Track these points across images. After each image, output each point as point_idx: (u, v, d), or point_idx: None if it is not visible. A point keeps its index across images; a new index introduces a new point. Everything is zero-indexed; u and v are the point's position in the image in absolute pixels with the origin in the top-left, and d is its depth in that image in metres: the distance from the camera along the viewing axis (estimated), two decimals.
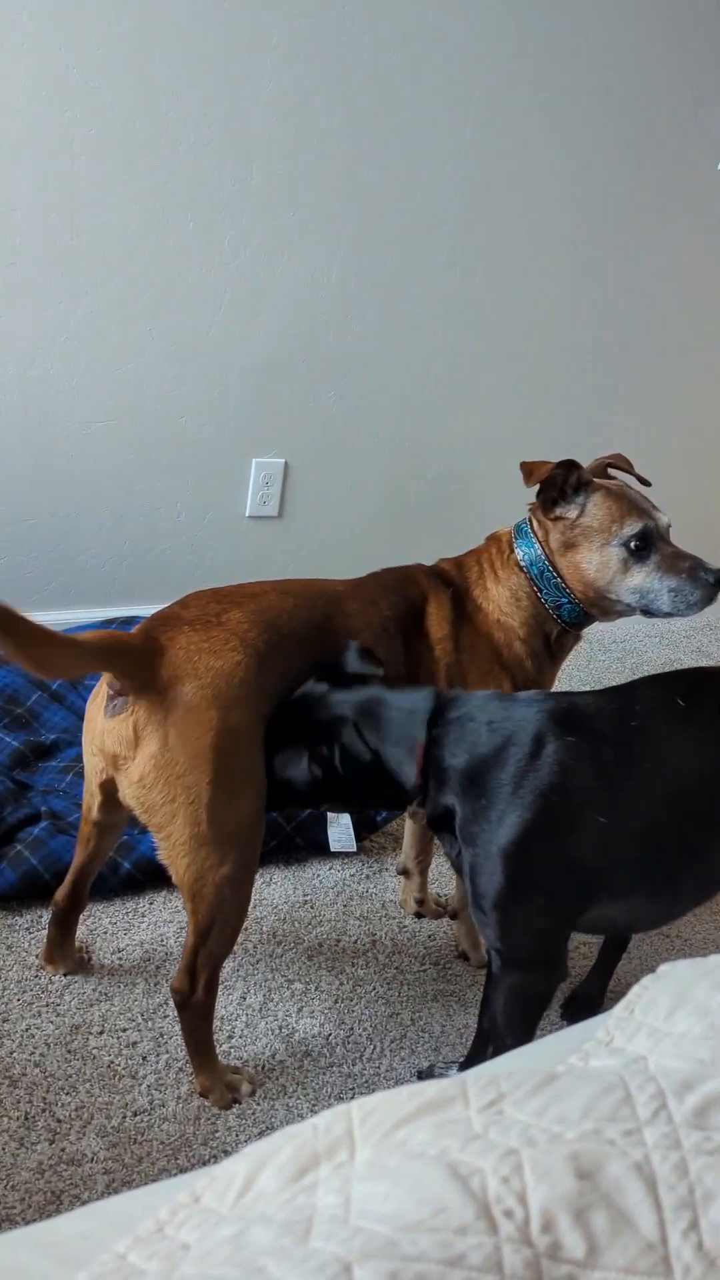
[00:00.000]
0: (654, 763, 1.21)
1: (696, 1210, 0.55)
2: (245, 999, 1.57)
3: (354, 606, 1.44)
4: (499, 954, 1.26)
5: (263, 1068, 1.46)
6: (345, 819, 1.91)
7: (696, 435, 3.04)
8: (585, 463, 1.57)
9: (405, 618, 1.48)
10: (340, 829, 1.90)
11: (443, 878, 1.91)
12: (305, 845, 1.89)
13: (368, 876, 1.88)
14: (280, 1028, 1.53)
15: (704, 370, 2.96)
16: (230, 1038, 1.50)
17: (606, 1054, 0.75)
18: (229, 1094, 1.39)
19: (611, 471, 1.64)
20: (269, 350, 2.21)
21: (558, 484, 1.49)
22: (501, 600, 1.53)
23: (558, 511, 1.50)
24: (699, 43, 2.50)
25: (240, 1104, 1.39)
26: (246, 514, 2.33)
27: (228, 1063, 1.44)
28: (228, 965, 1.62)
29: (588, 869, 1.21)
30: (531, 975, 1.26)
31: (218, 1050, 1.43)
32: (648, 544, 1.47)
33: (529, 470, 1.50)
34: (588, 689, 1.30)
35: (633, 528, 1.46)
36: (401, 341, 2.38)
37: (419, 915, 1.79)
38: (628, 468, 1.64)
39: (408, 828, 1.81)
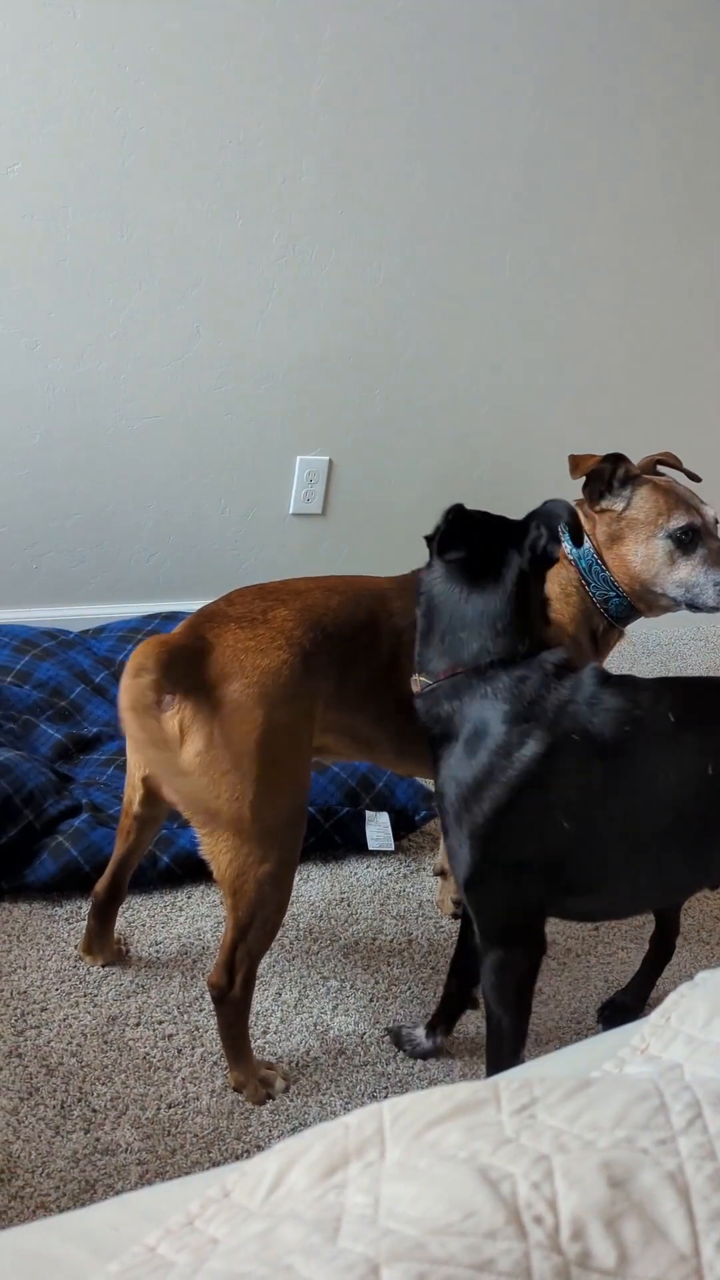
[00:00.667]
0: (632, 775, 1.19)
1: None
2: (281, 995, 1.57)
3: (399, 604, 1.43)
4: (479, 930, 1.27)
5: (297, 1064, 1.46)
6: (383, 818, 1.91)
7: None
8: (634, 459, 1.56)
9: None
10: (378, 828, 1.90)
11: None
12: (343, 843, 1.89)
13: (405, 876, 1.87)
14: (315, 1025, 1.53)
15: None
16: (265, 1033, 1.50)
17: (642, 1061, 0.74)
18: (263, 1089, 1.39)
19: (661, 469, 1.62)
20: (315, 348, 2.21)
21: (604, 477, 1.49)
22: (551, 595, 1.52)
23: (604, 504, 1.50)
24: None
25: (274, 1100, 1.39)
26: (290, 511, 2.34)
27: (262, 1058, 1.45)
28: (264, 962, 1.62)
29: (557, 865, 1.21)
30: (509, 950, 1.26)
31: (253, 1045, 1.44)
32: (694, 538, 1.47)
33: (576, 463, 1.51)
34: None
35: (679, 521, 1.47)
36: (449, 340, 2.37)
37: (455, 916, 1.78)
38: (677, 464, 1.63)
39: None
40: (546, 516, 1.25)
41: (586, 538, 1.49)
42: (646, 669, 2.79)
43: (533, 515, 1.27)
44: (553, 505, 1.25)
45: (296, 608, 1.33)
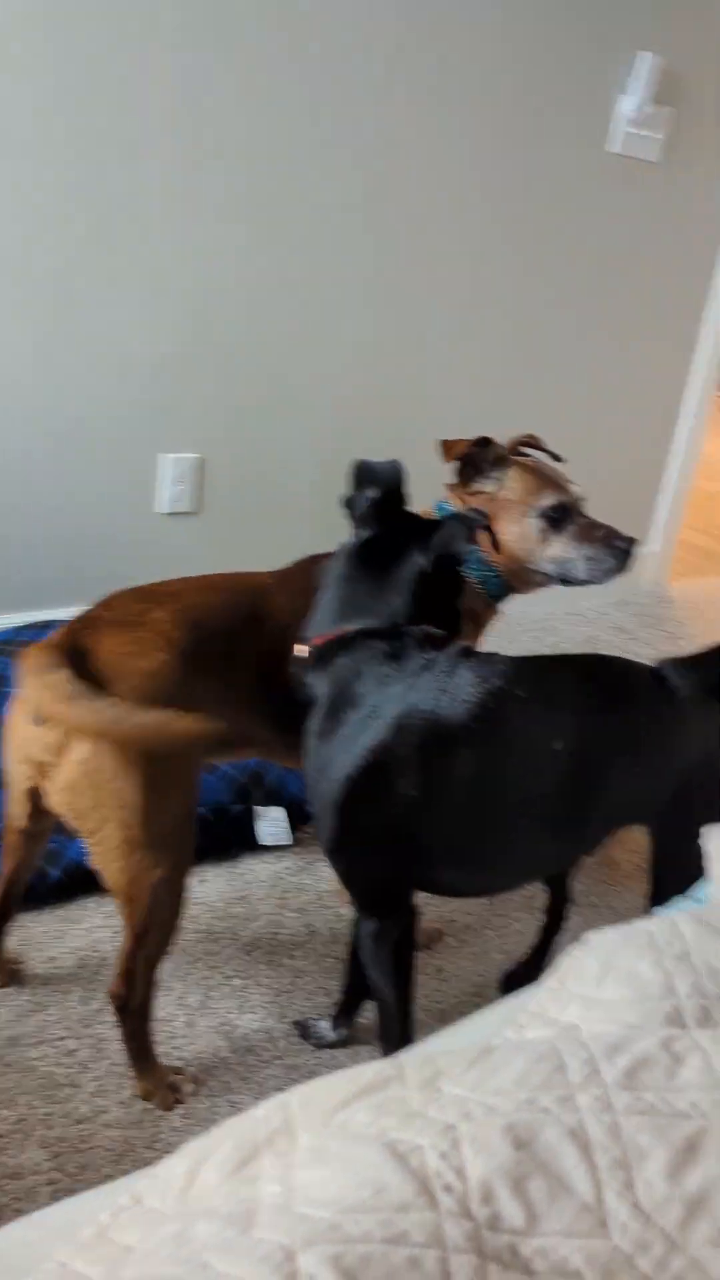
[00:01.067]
0: (484, 751, 1.20)
1: (630, 1170, 0.57)
2: (184, 999, 1.56)
3: (282, 599, 1.43)
4: (350, 898, 1.30)
5: (205, 1066, 1.45)
6: (277, 812, 1.91)
7: (607, 410, 3.09)
8: (502, 442, 1.59)
9: None
10: (272, 822, 1.90)
11: None
12: (238, 841, 1.88)
13: (302, 869, 1.88)
14: (221, 1025, 1.52)
15: (610, 345, 3.01)
16: (171, 1039, 1.49)
17: (541, 1025, 0.77)
18: (172, 1095, 1.38)
19: (526, 450, 1.66)
20: (173, 345, 2.19)
21: (475, 460, 1.54)
22: None
23: (476, 487, 1.55)
24: (596, 31, 2.53)
25: (184, 1104, 1.38)
26: (162, 510, 2.31)
27: (169, 1064, 1.43)
28: (165, 966, 1.60)
29: (415, 838, 1.22)
30: (380, 920, 1.28)
31: (158, 1052, 1.42)
32: (564, 515, 1.54)
33: (447, 447, 1.56)
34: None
35: (549, 499, 1.53)
36: (311, 330, 2.37)
37: None
38: (540, 445, 1.67)
39: None
40: (462, 520, 1.30)
41: None
42: (523, 646, 2.86)
43: (448, 518, 1.32)
44: (470, 512, 1.33)
45: (174, 608, 1.32)
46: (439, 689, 1.19)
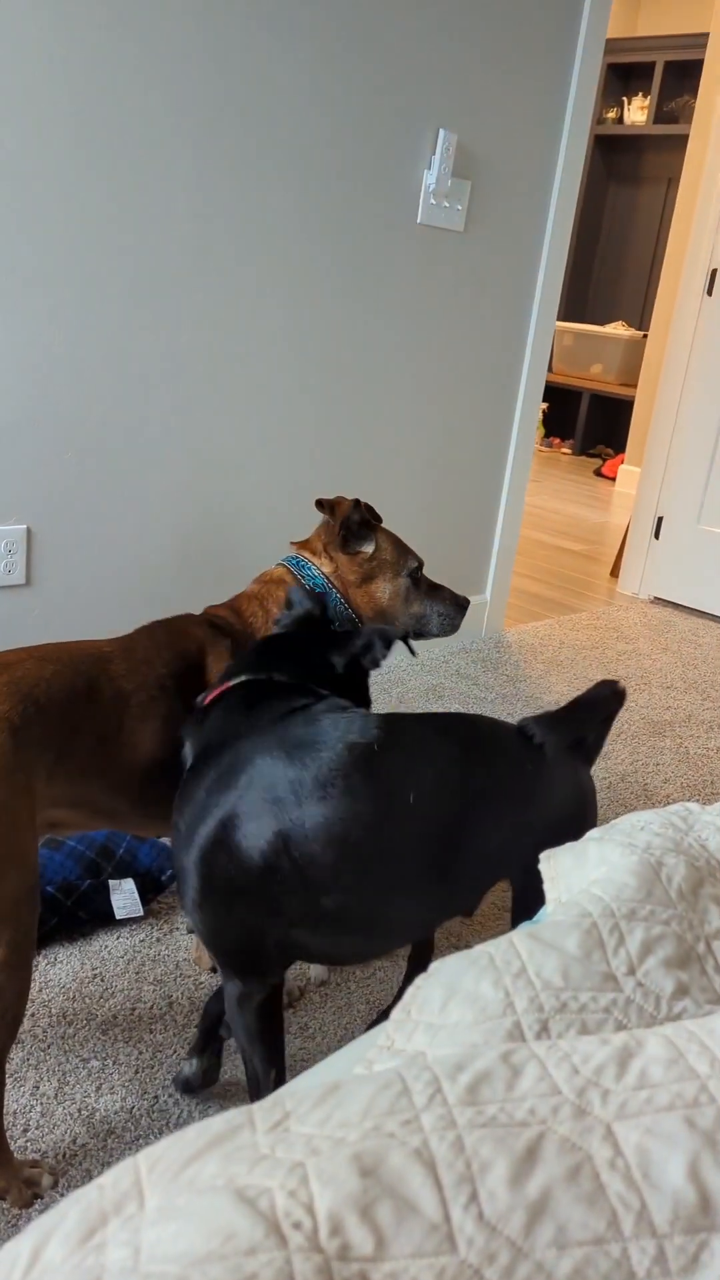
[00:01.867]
0: (340, 806, 1.18)
1: (475, 1182, 0.58)
2: (39, 1087, 1.49)
3: (123, 667, 1.42)
4: (213, 958, 1.30)
5: (64, 1155, 1.39)
6: (129, 884, 1.86)
7: (439, 470, 3.21)
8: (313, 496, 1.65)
9: (183, 674, 1.47)
10: (124, 895, 1.86)
11: None
12: (89, 918, 1.82)
13: (158, 939, 1.84)
14: (80, 1110, 1.46)
15: (436, 408, 3.13)
16: (25, 1131, 1.42)
17: (389, 1057, 0.77)
18: (29, 1190, 1.31)
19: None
20: None
21: (354, 522, 1.64)
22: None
23: (355, 547, 1.66)
24: (402, 110, 2.67)
25: (42, 1198, 1.32)
26: None
27: (24, 1158, 1.36)
28: (16, 1055, 1.54)
29: (276, 899, 1.19)
30: (244, 981, 1.27)
31: (14, 1146, 1.35)
32: (419, 575, 1.71)
33: (331, 506, 1.66)
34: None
35: (413, 561, 1.70)
36: (137, 398, 2.38)
37: (215, 970, 1.76)
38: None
39: None
40: (381, 633, 1.41)
41: (325, 577, 1.64)
42: (371, 695, 2.89)
43: (369, 630, 1.43)
44: (388, 629, 1.43)
45: (3, 681, 1.29)
46: (293, 743, 1.19)
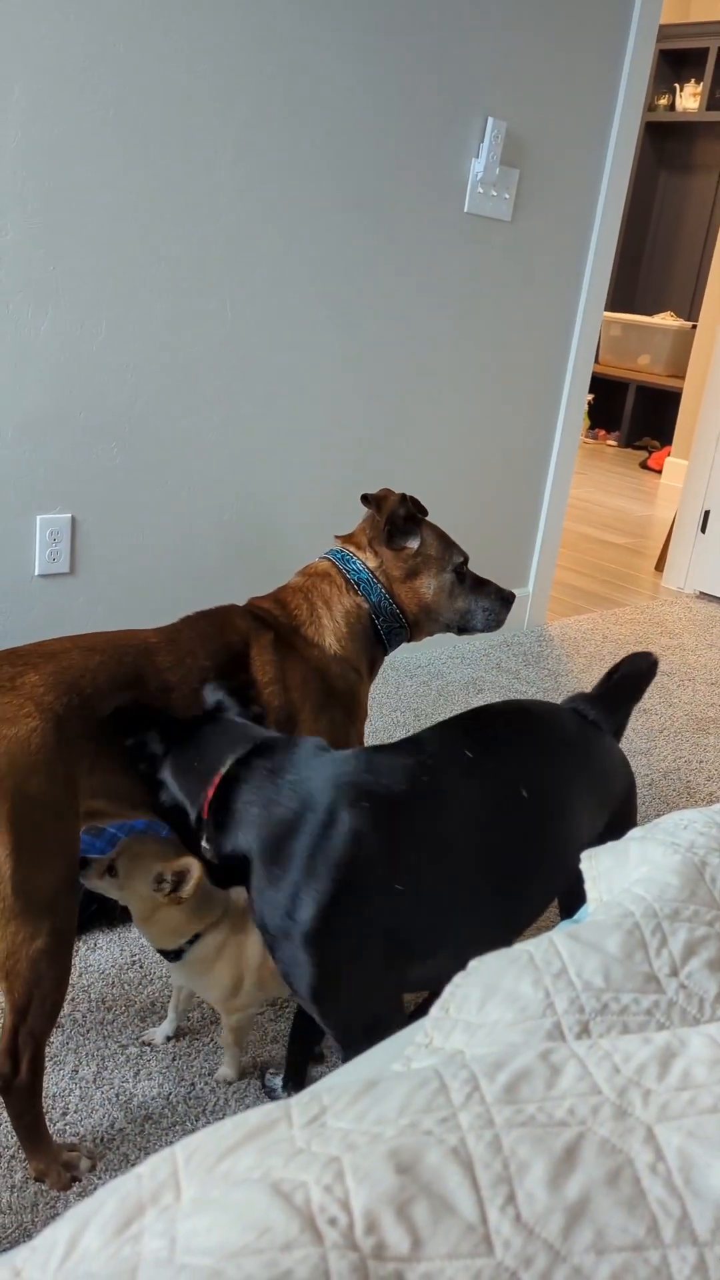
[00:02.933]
0: (445, 820, 1.18)
1: (512, 1183, 0.57)
2: (78, 1071, 1.51)
3: (168, 659, 1.41)
4: (334, 1038, 1.20)
5: (102, 1139, 1.40)
6: None
7: (483, 461, 3.19)
8: (361, 490, 1.64)
9: (227, 666, 1.46)
10: None
11: None
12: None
13: None
14: (117, 1095, 1.48)
15: (481, 399, 3.11)
16: (65, 1114, 1.43)
17: (427, 1055, 0.77)
18: (67, 1173, 1.33)
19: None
20: (42, 405, 2.17)
21: (400, 517, 1.62)
22: (339, 632, 1.58)
23: (401, 542, 1.63)
24: (449, 99, 2.65)
25: (81, 1181, 1.33)
26: (36, 573, 2.27)
27: (63, 1141, 1.38)
28: (56, 1039, 1.55)
29: (396, 937, 1.17)
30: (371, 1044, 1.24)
31: (53, 1128, 1.37)
32: (465, 570, 1.67)
33: (378, 501, 1.63)
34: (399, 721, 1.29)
35: (459, 556, 1.67)
36: (180, 388, 2.39)
37: None
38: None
39: None
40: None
41: (370, 572, 1.61)
42: (411, 691, 2.89)
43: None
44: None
45: (48, 671, 1.29)
46: (371, 781, 1.16)
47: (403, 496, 1.63)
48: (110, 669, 1.34)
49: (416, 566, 1.63)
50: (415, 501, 1.66)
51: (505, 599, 1.71)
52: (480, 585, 1.69)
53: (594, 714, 1.41)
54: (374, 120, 2.55)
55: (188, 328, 2.36)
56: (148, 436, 2.36)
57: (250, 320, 2.47)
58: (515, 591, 3.48)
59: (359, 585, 1.60)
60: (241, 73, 2.26)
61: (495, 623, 1.70)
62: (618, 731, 1.47)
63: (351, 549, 1.64)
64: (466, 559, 1.68)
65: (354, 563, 1.62)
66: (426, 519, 1.68)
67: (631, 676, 1.48)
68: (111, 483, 2.33)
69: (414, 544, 1.63)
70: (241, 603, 1.62)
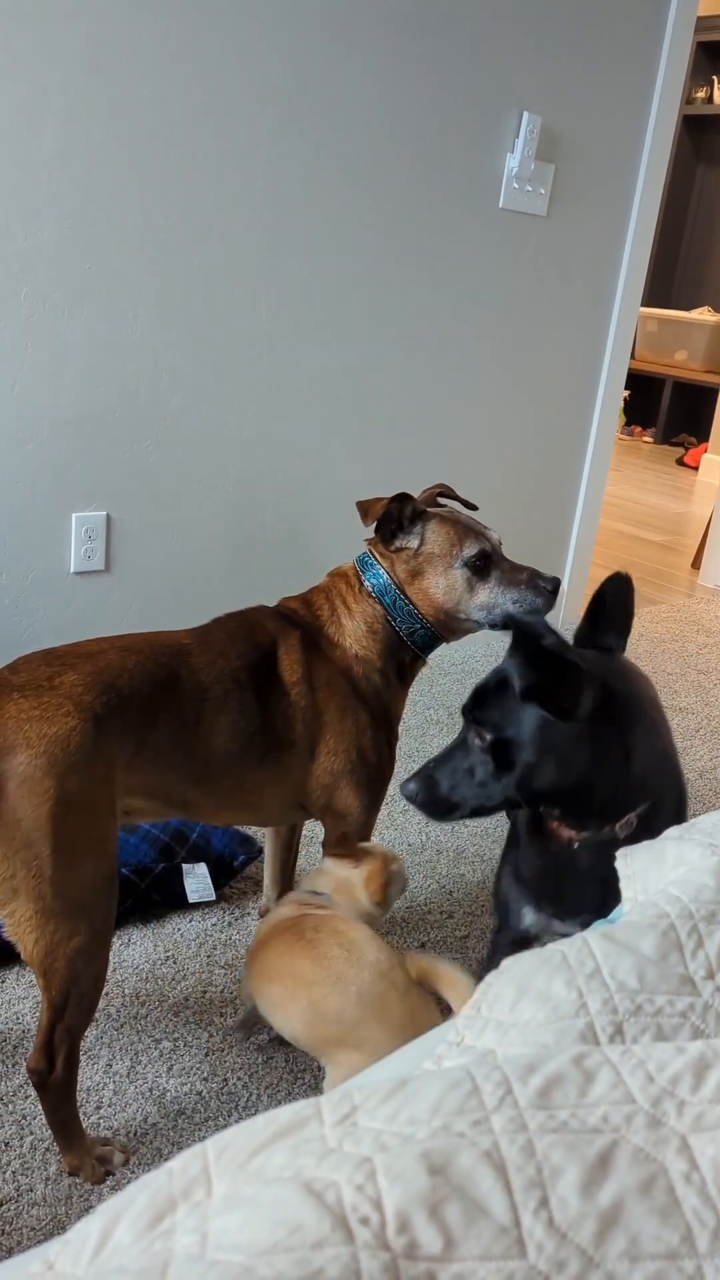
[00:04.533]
0: None
1: (545, 1188, 0.56)
2: (111, 1066, 1.52)
3: (201, 660, 1.42)
4: None
5: (135, 1134, 1.41)
6: (201, 869, 1.88)
7: (518, 456, 3.17)
8: (415, 494, 1.62)
9: (257, 666, 1.47)
10: (197, 879, 1.87)
11: None
12: (163, 900, 1.85)
13: (230, 924, 1.85)
14: (151, 1090, 1.48)
15: (516, 393, 3.09)
16: (99, 1108, 1.44)
17: (458, 1054, 0.76)
18: (101, 1167, 1.34)
19: (441, 500, 1.70)
20: (78, 404, 2.19)
21: (394, 518, 1.54)
22: (359, 634, 1.56)
23: (398, 544, 1.55)
24: (483, 94, 2.64)
25: (114, 1175, 1.34)
26: (72, 570, 2.29)
27: (97, 1134, 1.39)
28: (90, 1033, 1.56)
29: None
30: None
31: (87, 1122, 1.38)
32: (487, 562, 1.54)
33: (365, 509, 1.56)
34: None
35: (471, 549, 1.54)
36: (214, 386, 2.40)
37: None
38: (453, 494, 1.71)
39: (267, 869, 1.79)
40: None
41: (385, 575, 1.56)
42: (443, 689, 2.88)
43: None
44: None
45: (86, 671, 1.30)
46: None
47: (400, 496, 1.54)
48: (148, 669, 1.35)
49: (419, 566, 1.55)
50: (440, 494, 1.61)
51: (540, 587, 1.55)
52: (511, 576, 1.56)
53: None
54: (409, 116, 2.54)
55: (221, 327, 2.36)
56: (182, 434, 2.37)
57: (284, 318, 2.47)
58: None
59: (374, 588, 1.56)
60: (276, 70, 2.26)
61: (532, 613, 1.54)
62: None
63: (374, 550, 1.60)
64: (487, 550, 1.55)
65: (373, 566, 1.58)
66: (441, 513, 1.59)
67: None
68: (146, 481, 2.34)
69: (411, 543, 1.55)
70: (272, 602, 1.63)
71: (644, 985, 0.79)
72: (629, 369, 5.04)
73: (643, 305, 7.25)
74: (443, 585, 1.54)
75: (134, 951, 1.75)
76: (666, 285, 7.72)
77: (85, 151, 2.05)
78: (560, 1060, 0.65)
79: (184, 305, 2.28)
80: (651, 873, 1.01)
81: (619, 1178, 0.57)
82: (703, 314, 7.16)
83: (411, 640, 1.57)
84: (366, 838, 1.59)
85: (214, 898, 1.87)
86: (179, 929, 1.82)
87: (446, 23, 2.53)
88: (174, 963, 1.74)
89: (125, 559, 2.36)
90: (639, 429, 7.65)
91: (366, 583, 1.56)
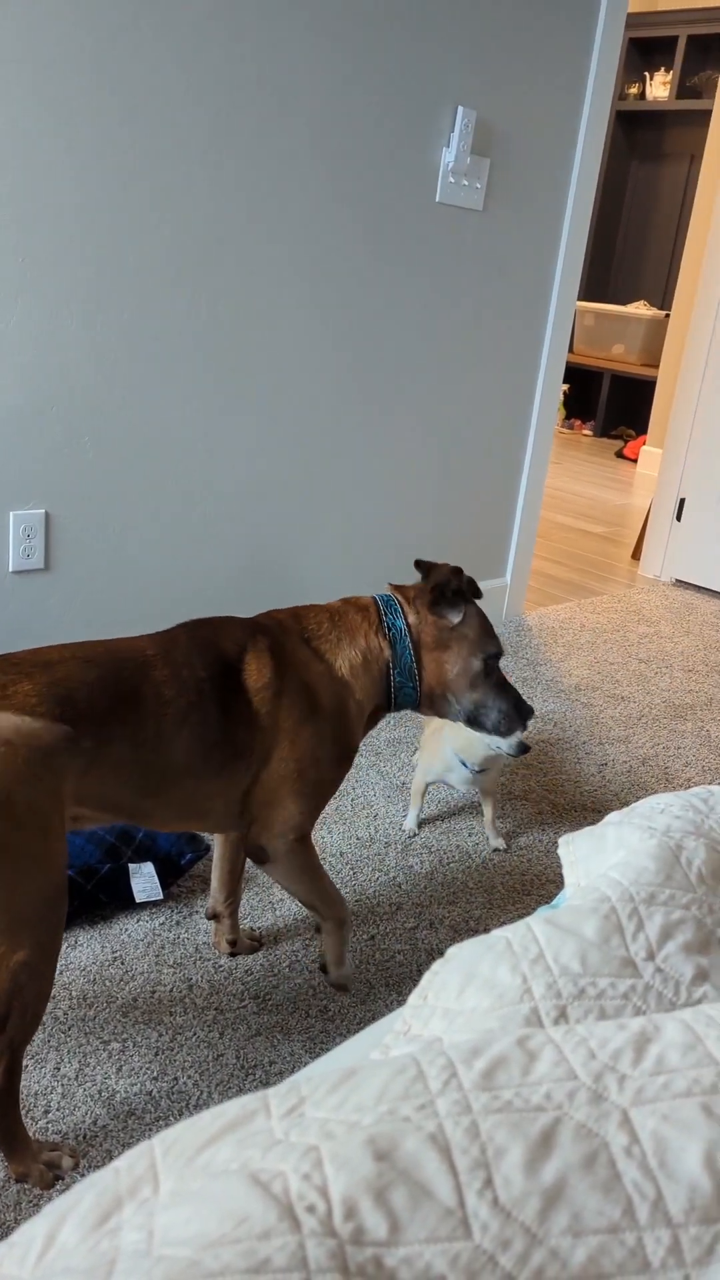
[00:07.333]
0: None
1: (490, 1168, 0.57)
2: (59, 1069, 1.50)
3: (164, 672, 1.38)
4: None
5: (85, 1137, 1.40)
6: (148, 868, 1.87)
7: (459, 451, 3.19)
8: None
9: (221, 676, 1.44)
10: (144, 878, 1.86)
11: (254, 911, 1.90)
12: (109, 901, 1.83)
13: (178, 923, 1.84)
14: (100, 1092, 1.47)
15: (455, 388, 3.10)
16: (47, 1112, 1.43)
17: (405, 1043, 0.77)
18: (50, 1172, 1.32)
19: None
20: (13, 400, 2.16)
21: (451, 587, 1.57)
22: (354, 660, 1.54)
23: (443, 611, 1.57)
24: (421, 86, 2.64)
25: (64, 1179, 1.33)
26: (10, 569, 2.25)
27: (45, 1139, 1.37)
28: (38, 1037, 1.55)
29: None
30: None
31: (35, 1127, 1.36)
32: (495, 665, 1.61)
33: (427, 569, 1.60)
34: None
35: (494, 648, 1.60)
36: (154, 382, 2.38)
37: (233, 954, 1.77)
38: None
39: (215, 872, 1.78)
40: None
41: (406, 628, 1.57)
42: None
43: None
44: None
45: (43, 682, 1.27)
46: None
47: (457, 570, 1.59)
48: (107, 682, 1.32)
49: (448, 640, 1.57)
50: (472, 581, 1.63)
51: (524, 712, 1.62)
52: (503, 687, 1.62)
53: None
54: (344, 111, 2.54)
55: (161, 321, 2.34)
56: (122, 431, 2.35)
57: (223, 313, 2.46)
58: (492, 581, 3.48)
59: (390, 631, 1.56)
60: (211, 61, 2.24)
61: (507, 730, 1.61)
62: None
63: (400, 598, 1.60)
64: (499, 654, 1.62)
65: (397, 612, 1.58)
66: (476, 602, 1.63)
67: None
68: (86, 478, 2.32)
69: (455, 618, 1.57)
70: (216, 598, 1.61)
71: (587, 968, 0.81)
72: (568, 363, 5.08)
73: (580, 299, 7.33)
74: (459, 668, 1.58)
75: (81, 953, 1.74)
76: (603, 280, 7.81)
77: (15, 144, 2.01)
78: (504, 1042, 0.66)
79: (122, 301, 2.26)
80: (594, 858, 1.02)
81: (562, 1154, 0.58)
82: (639, 308, 7.25)
83: (395, 692, 1.58)
84: (294, 851, 1.54)
85: (161, 897, 1.85)
86: (126, 929, 1.81)
87: (381, 18, 2.53)
88: (122, 963, 1.73)
89: (65, 557, 2.34)
90: (579, 422, 7.74)
91: (385, 623, 1.56)
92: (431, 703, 1.61)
